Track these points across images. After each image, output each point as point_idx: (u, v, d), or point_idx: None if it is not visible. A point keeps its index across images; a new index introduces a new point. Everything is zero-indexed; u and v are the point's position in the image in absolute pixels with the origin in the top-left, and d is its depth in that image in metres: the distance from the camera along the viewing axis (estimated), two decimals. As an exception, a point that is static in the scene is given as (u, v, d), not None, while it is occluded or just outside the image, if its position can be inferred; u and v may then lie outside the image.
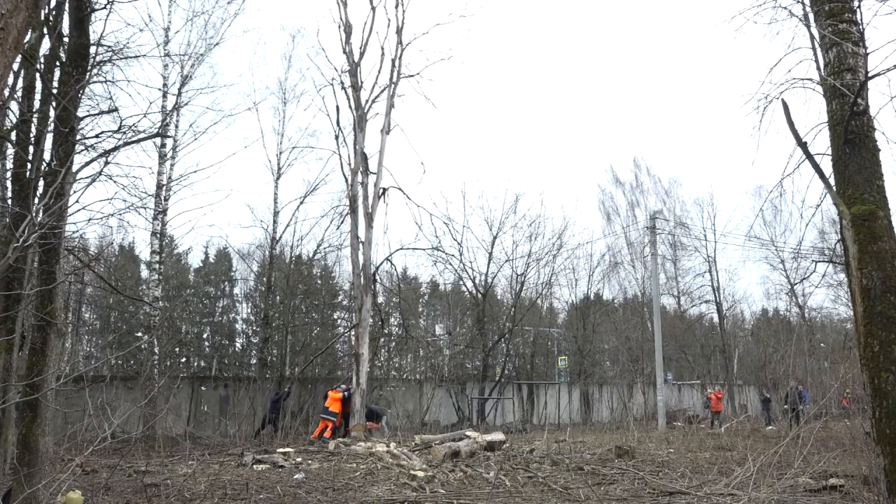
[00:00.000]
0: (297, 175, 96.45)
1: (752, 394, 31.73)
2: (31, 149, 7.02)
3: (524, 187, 78.82)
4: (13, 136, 7.51)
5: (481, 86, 72.18)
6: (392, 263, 21.51)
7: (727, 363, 32.31)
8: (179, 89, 19.76)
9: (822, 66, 7.13)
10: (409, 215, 78.95)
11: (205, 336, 29.37)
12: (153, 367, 18.81)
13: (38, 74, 7.25)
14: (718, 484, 9.19)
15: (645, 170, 39.01)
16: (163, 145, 19.57)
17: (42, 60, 7.30)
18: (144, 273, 24.75)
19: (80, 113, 7.21)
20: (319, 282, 29.08)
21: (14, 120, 7.67)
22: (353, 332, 19.46)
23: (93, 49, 7.44)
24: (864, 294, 6.13)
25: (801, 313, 34.65)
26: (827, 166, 6.78)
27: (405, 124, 64.35)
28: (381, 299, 24.47)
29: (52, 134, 6.83)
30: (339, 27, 19.73)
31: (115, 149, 6.93)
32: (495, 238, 29.44)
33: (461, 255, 27.80)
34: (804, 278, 18.61)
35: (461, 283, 30.86)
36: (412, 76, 19.96)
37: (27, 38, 5.80)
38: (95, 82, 8.13)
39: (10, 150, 7.93)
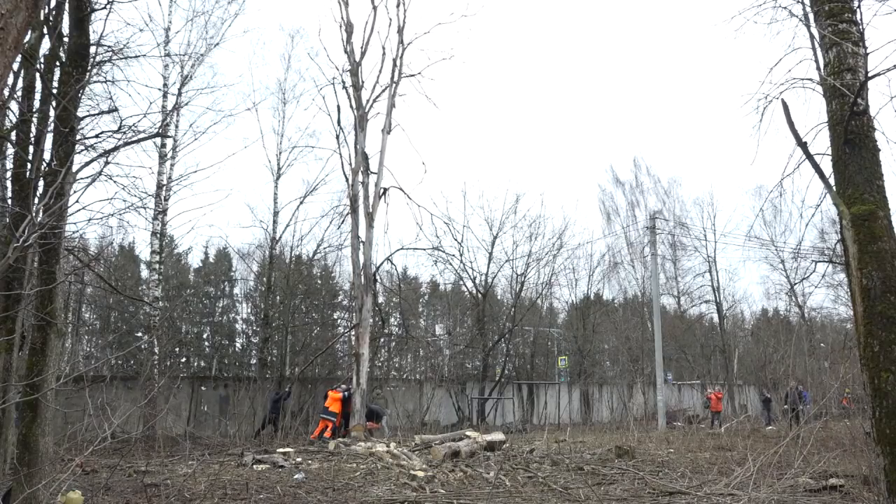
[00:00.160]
0: (296, 175, 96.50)
1: (752, 394, 31.73)
2: (31, 149, 7.01)
3: (524, 187, 79.03)
4: (13, 136, 7.50)
5: (482, 86, 72.25)
6: (392, 263, 21.55)
7: (727, 363, 32.31)
8: (179, 89, 19.78)
9: (822, 66, 7.13)
10: (409, 215, 79.12)
11: (205, 336, 29.37)
12: (153, 367, 18.81)
13: (38, 74, 7.24)
14: (718, 484, 9.19)
15: (645, 170, 39.09)
16: (163, 145, 19.57)
17: (42, 60, 7.30)
18: (144, 273, 24.77)
19: (80, 113, 7.21)
20: (319, 282, 29.07)
21: (14, 120, 7.66)
22: (353, 332, 19.47)
23: (93, 49, 7.45)
24: (864, 294, 6.13)
25: (801, 313, 34.66)
26: (827, 166, 6.79)
27: (406, 124, 64.50)
28: (381, 299, 24.46)
29: (52, 134, 6.83)
30: (341, 27, 19.75)
31: (115, 149, 6.92)
32: (495, 238, 29.49)
33: (461, 255, 27.82)
34: (804, 278, 18.59)
35: (461, 283, 30.89)
36: (413, 76, 20.00)
37: (27, 38, 5.80)
38: (95, 82, 8.14)
39: (10, 150, 7.92)
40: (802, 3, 7.78)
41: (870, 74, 6.40)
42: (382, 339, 26.53)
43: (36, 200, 6.05)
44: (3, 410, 6.47)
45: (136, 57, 8.90)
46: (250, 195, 61.49)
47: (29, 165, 6.88)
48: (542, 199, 59.49)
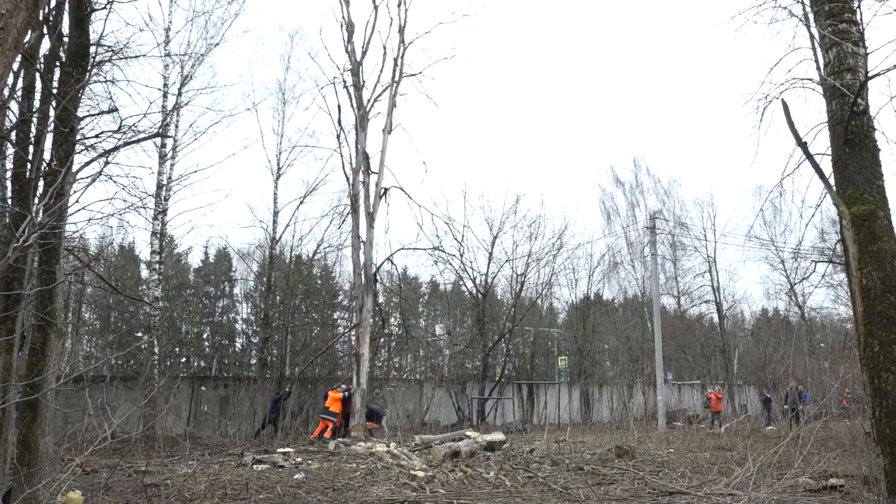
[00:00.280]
0: (296, 175, 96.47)
1: (752, 394, 31.73)
2: (31, 149, 7.01)
3: (524, 187, 78.98)
4: (13, 136, 7.50)
5: (483, 85, 72.25)
6: (393, 263, 21.53)
7: (727, 363, 32.31)
8: (179, 89, 19.78)
9: (822, 66, 7.13)
10: (410, 215, 79.07)
11: (205, 336, 29.37)
12: (153, 367, 18.81)
13: (38, 74, 7.24)
14: (718, 484, 9.19)
15: (645, 170, 39.13)
16: (163, 145, 19.57)
17: (42, 60, 7.30)
18: (144, 273, 24.77)
19: (80, 113, 7.21)
20: (319, 282, 29.06)
21: (14, 120, 7.66)
22: (353, 332, 19.46)
23: (93, 49, 7.44)
24: (864, 294, 6.13)
25: (801, 313, 34.66)
26: (827, 166, 6.79)
27: (407, 123, 64.52)
28: (381, 299, 24.46)
29: (52, 134, 6.83)
30: (342, 26, 19.76)
31: (115, 149, 6.92)
32: (495, 238, 29.48)
33: (461, 255, 27.82)
34: (804, 278, 18.60)
35: (461, 283, 30.88)
36: (414, 75, 20.00)
37: (27, 38, 5.80)
38: (95, 82, 8.14)
39: (10, 150, 7.92)
40: (802, 3, 7.79)
41: (870, 74, 6.40)
42: (382, 339, 26.53)
43: (36, 200, 6.05)
44: (3, 410, 6.47)
45: (136, 57, 8.91)
46: (250, 195, 61.57)
47: (29, 165, 6.88)
48: (542, 199, 59.63)
